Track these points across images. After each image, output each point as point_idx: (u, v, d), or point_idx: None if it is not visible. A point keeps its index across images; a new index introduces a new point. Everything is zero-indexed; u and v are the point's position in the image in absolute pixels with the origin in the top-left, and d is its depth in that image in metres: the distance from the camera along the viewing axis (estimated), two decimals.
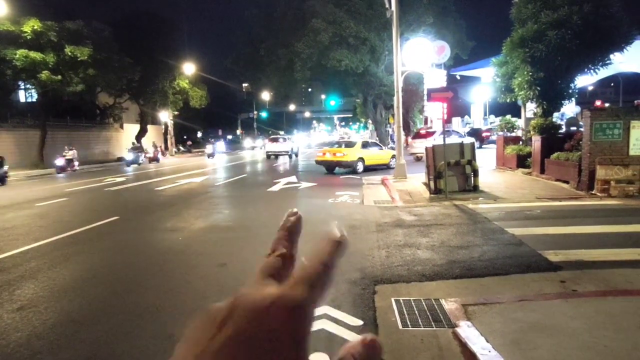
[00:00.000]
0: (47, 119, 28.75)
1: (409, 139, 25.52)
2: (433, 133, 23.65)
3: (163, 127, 44.71)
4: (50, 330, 4.07)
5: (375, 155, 19.19)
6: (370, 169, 18.34)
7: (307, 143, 66.63)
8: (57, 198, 13.22)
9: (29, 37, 23.72)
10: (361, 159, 18.36)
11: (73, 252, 6.92)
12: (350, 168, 18.46)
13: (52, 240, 7.68)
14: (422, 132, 25.22)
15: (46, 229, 8.72)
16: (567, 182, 11.61)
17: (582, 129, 12.11)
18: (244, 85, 55.14)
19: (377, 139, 32.92)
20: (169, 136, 44.46)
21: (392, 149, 22.05)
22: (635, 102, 12.99)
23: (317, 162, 19.70)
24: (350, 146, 19.41)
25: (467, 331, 3.63)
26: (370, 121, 44.49)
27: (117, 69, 28.34)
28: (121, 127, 39.41)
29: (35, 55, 23.67)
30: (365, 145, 19.77)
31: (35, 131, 27.91)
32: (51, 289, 5.20)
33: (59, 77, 24.95)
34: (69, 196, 13.77)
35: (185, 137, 53.16)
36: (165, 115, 42.39)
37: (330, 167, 18.98)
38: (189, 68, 39.44)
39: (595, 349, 3.24)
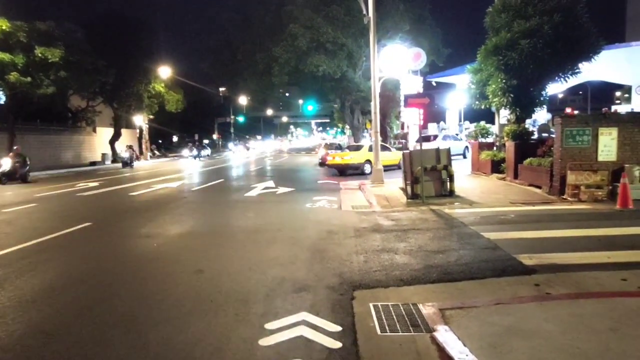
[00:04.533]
0: (15, 122, 27.84)
1: (414, 142, 26.38)
2: (436, 137, 27.23)
3: (138, 131, 43.89)
4: (18, 342, 3.91)
5: (385, 157, 19.78)
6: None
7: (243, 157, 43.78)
8: (25, 204, 12.79)
9: None
10: (368, 161, 19.50)
11: (42, 260, 6.69)
12: (358, 170, 19.94)
13: (20, 247, 7.41)
14: (426, 136, 27.67)
15: (13, 236, 8.41)
16: (539, 187, 11.90)
17: (553, 136, 12.45)
18: (221, 89, 54.65)
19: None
20: (143, 140, 43.68)
21: (399, 149, 22.66)
22: (603, 109, 13.44)
23: (328, 166, 21.62)
24: (358, 149, 21.28)
25: (445, 335, 3.66)
26: (347, 126, 44.72)
27: (90, 71, 27.70)
28: (94, 130, 38.51)
29: (3, 55, 22.95)
30: (372, 148, 20.36)
31: (3, 135, 26.98)
32: (19, 299, 5.00)
33: (29, 78, 24.22)
34: (38, 202, 13.34)
35: (160, 141, 52.36)
36: (140, 119, 41.65)
37: (340, 170, 20.57)
38: (164, 71, 38.89)
39: (569, 351, 3.31)
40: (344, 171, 20.39)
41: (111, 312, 4.54)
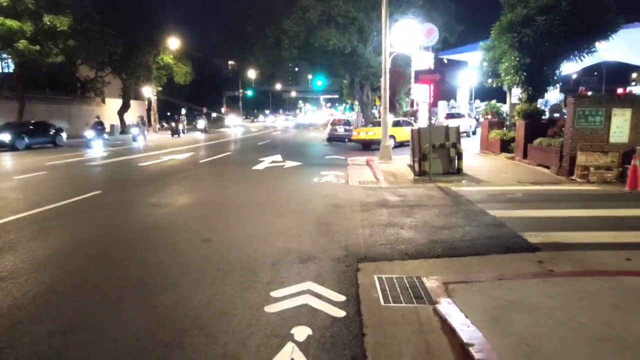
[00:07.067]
0: (25, 91, 27.92)
1: (443, 119, 28.00)
2: (463, 116, 29.77)
3: (146, 102, 43.85)
4: (31, 302, 4.04)
5: (406, 133, 20.07)
6: (403, 145, 20.08)
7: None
8: (36, 171, 12.95)
9: (4, 3, 22.84)
10: (392, 137, 20.10)
11: (54, 225, 6.82)
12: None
13: (32, 213, 7.56)
14: (454, 113, 30.88)
15: (25, 201, 8.55)
16: (548, 168, 11.81)
17: (565, 116, 12.27)
18: (230, 62, 54.12)
19: (363, 120, 32.88)
20: (152, 112, 43.66)
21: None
22: (618, 90, 13.15)
23: (354, 141, 22.73)
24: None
25: (447, 307, 3.71)
26: (356, 102, 44.32)
27: (99, 41, 27.54)
28: (103, 101, 38.54)
29: (11, 23, 22.84)
30: (396, 123, 22.44)
31: (13, 103, 27.12)
32: (31, 261, 5.13)
33: (37, 47, 24.16)
34: (49, 170, 13.50)
35: (169, 113, 52.19)
36: (149, 91, 41.54)
37: (365, 145, 21.58)
38: (173, 43, 38.56)
39: (570, 325, 3.36)
40: (369, 146, 21.06)
41: (120, 277, 4.65)
